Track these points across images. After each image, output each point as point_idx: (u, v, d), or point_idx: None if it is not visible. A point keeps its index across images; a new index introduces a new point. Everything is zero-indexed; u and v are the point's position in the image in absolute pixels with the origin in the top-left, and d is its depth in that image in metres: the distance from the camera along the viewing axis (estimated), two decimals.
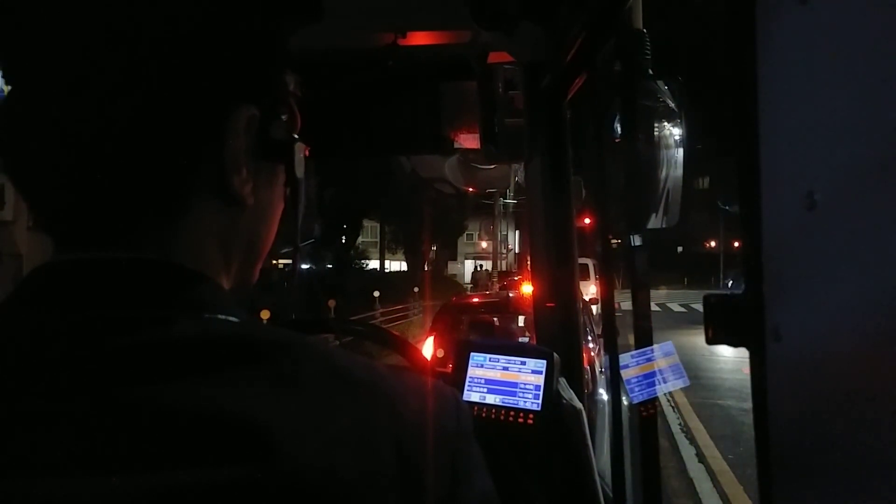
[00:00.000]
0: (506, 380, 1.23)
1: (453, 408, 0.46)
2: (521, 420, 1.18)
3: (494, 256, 20.33)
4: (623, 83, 1.05)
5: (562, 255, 1.44)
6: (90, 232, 0.42)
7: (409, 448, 0.40)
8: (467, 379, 1.26)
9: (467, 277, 27.64)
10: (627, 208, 1.14)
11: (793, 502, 0.39)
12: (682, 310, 19.82)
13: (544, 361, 1.21)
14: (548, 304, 1.47)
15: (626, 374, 1.06)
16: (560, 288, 1.45)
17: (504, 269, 19.24)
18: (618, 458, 1.26)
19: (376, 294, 14.39)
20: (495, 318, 5.69)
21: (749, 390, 0.42)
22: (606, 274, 1.42)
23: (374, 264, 29.13)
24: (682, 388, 4.99)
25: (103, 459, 0.35)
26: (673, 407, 6.66)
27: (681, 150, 0.99)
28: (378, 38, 1.37)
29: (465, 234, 35.31)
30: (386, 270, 29.65)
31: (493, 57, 1.37)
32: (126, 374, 0.37)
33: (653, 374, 1.04)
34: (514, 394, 1.21)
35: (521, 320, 5.44)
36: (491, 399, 1.22)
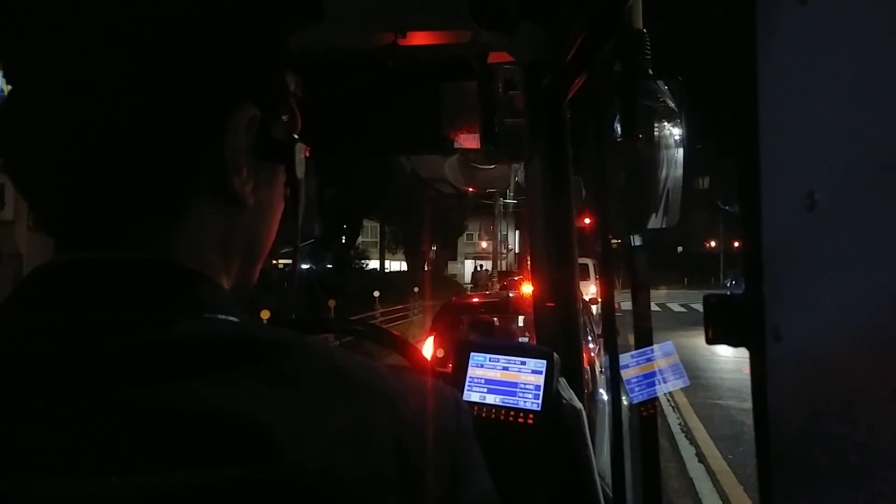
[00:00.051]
0: (506, 380, 1.23)
1: (453, 408, 0.46)
2: (521, 420, 1.18)
3: (494, 256, 20.33)
4: (623, 83, 1.05)
5: (562, 255, 1.44)
6: (90, 232, 0.42)
7: (409, 448, 0.40)
8: (467, 379, 1.26)
9: (467, 277, 27.62)
10: (627, 208, 1.14)
11: (793, 502, 0.39)
12: (682, 310, 19.81)
13: (544, 361, 1.21)
14: (548, 304, 1.47)
15: (626, 374, 1.06)
16: (560, 288, 1.45)
17: (504, 269, 19.22)
18: (618, 458, 1.26)
19: (376, 294, 14.38)
20: (495, 318, 5.69)
21: (749, 390, 0.42)
22: (606, 274, 1.42)
23: (374, 264, 29.11)
24: (682, 388, 4.99)
25: (103, 459, 0.35)
26: (673, 407, 6.66)
27: (681, 150, 0.99)
28: (378, 38, 1.37)
29: (465, 234, 35.28)
30: (386, 270, 29.64)
31: (493, 57, 1.36)
32: (126, 374, 0.37)
33: (653, 374, 1.04)
34: (514, 394, 1.21)
35: (521, 320, 5.45)
36: (491, 399, 1.22)
